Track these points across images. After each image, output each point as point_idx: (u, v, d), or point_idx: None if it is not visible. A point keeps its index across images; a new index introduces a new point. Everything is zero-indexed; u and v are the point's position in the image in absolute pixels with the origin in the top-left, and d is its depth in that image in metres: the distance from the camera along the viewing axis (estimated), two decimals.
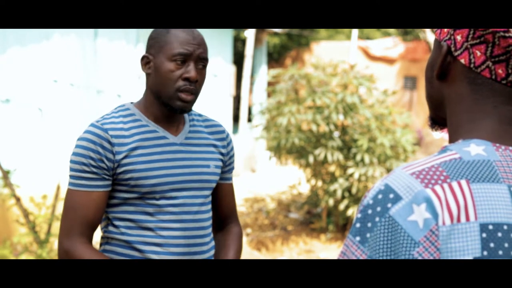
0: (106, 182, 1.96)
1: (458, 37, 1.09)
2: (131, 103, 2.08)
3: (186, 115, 2.11)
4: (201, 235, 2.04)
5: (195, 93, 1.98)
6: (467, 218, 0.98)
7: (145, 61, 2.02)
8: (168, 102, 1.98)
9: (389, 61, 17.30)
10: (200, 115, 2.17)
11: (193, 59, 1.97)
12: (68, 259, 1.94)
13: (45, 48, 6.73)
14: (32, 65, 6.56)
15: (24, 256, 4.97)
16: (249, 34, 12.26)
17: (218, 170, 2.11)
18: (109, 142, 1.95)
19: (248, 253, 6.37)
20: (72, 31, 7.07)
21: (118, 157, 1.95)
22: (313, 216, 8.00)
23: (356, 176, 6.68)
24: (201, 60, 1.99)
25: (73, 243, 1.94)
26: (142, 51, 8.34)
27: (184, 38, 1.96)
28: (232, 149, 2.20)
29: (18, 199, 5.06)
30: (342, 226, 7.43)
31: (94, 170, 1.93)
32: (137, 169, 1.96)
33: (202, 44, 1.99)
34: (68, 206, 1.97)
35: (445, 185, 0.99)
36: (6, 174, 5.10)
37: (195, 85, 1.98)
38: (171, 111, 2.00)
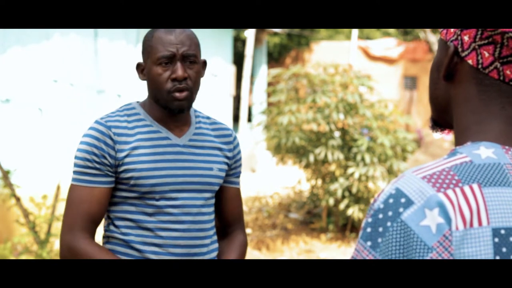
0: (109, 178, 1.97)
1: (466, 38, 1.08)
2: (137, 102, 2.09)
3: (193, 117, 2.10)
4: (201, 237, 2.03)
5: (189, 89, 1.97)
6: (480, 223, 0.97)
7: (141, 69, 2.04)
8: (165, 104, 1.98)
9: (389, 61, 17.30)
10: (208, 117, 2.16)
11: (178, 58, 1.96)
12: (70, 255, 1.94)
13: (45, 48, 6.73)
14: (32, 65, 6.56)
15: (24, 256, 4.97)
16: (249, 34, 12.26)
17: (222, 173, 2.09)
18: (112, 139, 1.96)
19: (248, 252, 6.37)
20: (72, 31, 7.07)
21: (120, 155, 1.96)
22: (313, 216, 8.00)
23: (356, 175, 6.68)
24: (187, 57, 1.97)
25: (75, 238, 1.94)
26: None
27: (166, 39, 1.96)
28: (238, 153, 2.17)
29: (18, 199, 5.06)
30: (342, 226, 7.43)
31: (97, 166, 1.95)
32: (138, 169, 1.96)
33: (185, 41, 1.97)
34: (71, 201, 1.98)
35: (457, 189, 0.98)
36: (6, 174, 5.10)
37: (186, 82, 1.96)
38: (171, 112, 2.00)
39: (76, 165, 1.97)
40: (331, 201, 6.87)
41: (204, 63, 2.08)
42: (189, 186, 2.01)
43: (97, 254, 1.91)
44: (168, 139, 2.02)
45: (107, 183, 1.97)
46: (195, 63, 1.99)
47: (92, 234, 1.98)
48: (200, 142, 2.07)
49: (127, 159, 1.96)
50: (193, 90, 1.98)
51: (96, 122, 1.99)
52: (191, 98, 1.99)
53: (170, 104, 1.97)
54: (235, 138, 2.17)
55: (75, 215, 1.95)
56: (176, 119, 2.03)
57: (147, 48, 1.99)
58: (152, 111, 2.04)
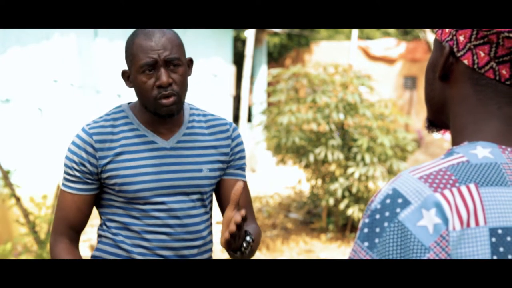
0: (88, 186, 1.99)
1: (461, 38, 1.08)
2: (128, 103, 2.08)
3: (186, 116, 2.08)
4: (189, 239, 2.02)
5: (175, 94, 1.93)
6: (477, 223, 0.97)
7: (126, 76, 2.01)
8: (154, 111, 1.96)
9: (389, 61, 17.30)
10: (204, 114, 2.12)
11: (161, 64, 1.91)
12: (51, 257, 2.02)
13: (45, 48, 6.73)
14: (32, 65, 6.56)
15: (24, 256, 4.97)
16: (249, 34, 12.26)
17: (214, 173, 2.06)
18: (93, 147, 1.97)
19: None
20: (71, 31, 7.07)
21: (102, 161, 1.97)
22: (313, 216, 8.00)
23: (356, 175, 6.68)
24: (170, 61, 1.92)
25: (55, 241, 2.02)
26: None
27: (146, 46, 1.91)
28: (238, 145, 2.13)
29: (18, 199, 5.06)
30: (342, 226, 7.43)
31: (77, 174, 1.98)
32: (121, 175, 1.97)
33: (167, 45, 1.92)
34: (57, 205, 2.05)
35: (454, 189, 0.98)
36: (6, 174, 5.10)
37: (172, 87, 1.92)
38: (160, 117, 1.99)
39: (63, 171, 2.02)
40: (331, 201, 6.87)
41: (190, 61, 2.04)
42: (175, 190, 2.00)
43: (64, 258, 1.98)
44: (154, 143, 2.01)
45: (87, 190, 2.00)
46: (179, 66, 1.94)
47: (72, 239, 2.03)
48: (191, 143, 2.05)
49: (110, 166, 1.97)
50: (180, 94, 1.95)
51: (81, 128, 2.01)
52: (179, 102, 1.95)
53: (158, 110, 1.95)
54: (234, 130, 2.13)
55: (57, 219, 2.03)
56: (165, 122, 2.02)
57: (129, 56, 1.95)
58: (141, 114, 2.02)
